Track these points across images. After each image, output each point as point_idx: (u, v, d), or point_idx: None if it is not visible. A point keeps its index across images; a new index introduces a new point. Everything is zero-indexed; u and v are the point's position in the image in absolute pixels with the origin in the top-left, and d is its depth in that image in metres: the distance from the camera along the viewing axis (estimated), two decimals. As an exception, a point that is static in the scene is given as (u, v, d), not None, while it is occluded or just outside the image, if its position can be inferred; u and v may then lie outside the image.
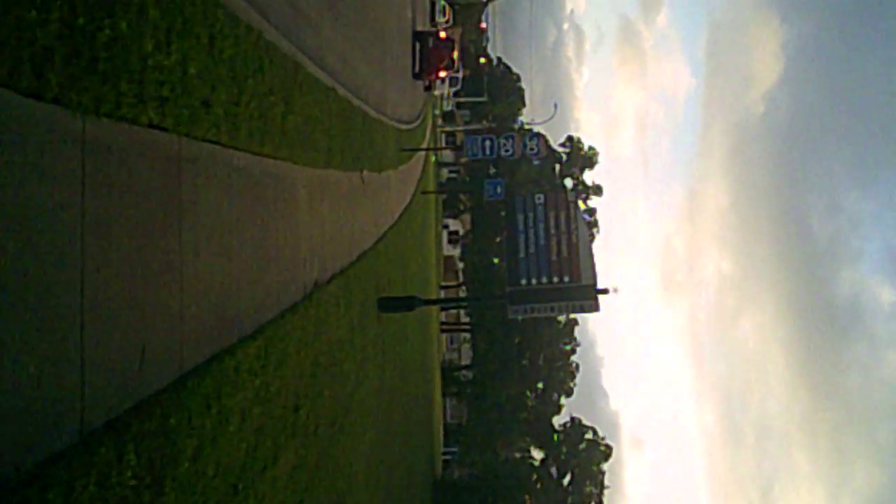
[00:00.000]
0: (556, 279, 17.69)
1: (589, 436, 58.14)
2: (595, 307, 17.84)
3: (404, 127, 30.34)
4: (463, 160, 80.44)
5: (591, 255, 18.08)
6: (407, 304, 17.20)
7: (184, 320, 5.83)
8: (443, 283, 75.47)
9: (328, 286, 11.16)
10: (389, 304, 16.75)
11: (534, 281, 17.81)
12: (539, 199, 18.58)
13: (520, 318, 19.15)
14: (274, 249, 8.62)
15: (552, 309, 18.60)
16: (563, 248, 17.83)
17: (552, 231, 17.96)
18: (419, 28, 32.42)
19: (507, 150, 24.50)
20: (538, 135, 24.51)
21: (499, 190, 37.88)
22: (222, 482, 6.44)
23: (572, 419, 59.60)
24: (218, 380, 6.41)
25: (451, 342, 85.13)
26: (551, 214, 18.19)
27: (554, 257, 17.81)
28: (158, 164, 5.48)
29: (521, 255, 18.09)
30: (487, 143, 24.37)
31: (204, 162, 6.37)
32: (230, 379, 6.76)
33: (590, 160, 75.37)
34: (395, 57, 24.17)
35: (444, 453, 60.82)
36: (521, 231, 18.22)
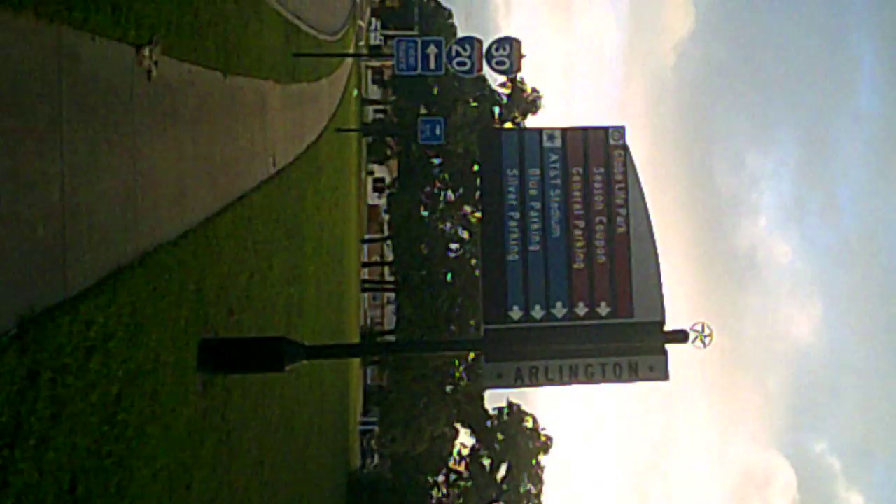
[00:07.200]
0: (581, 309, 8.14)
1: (529, 424, 50.41)
2: (663, 372, 8.28)
3: (307, 28, 20.75)
4: (392, 98, 71.77)
5: (656, 263, 8.35)
6: (266, 355, 7.91)
7: None
8: (366, 237, 68.50)
9: None
10: (221, 359, 7.60)
11: (537, 311, 8.13)
12: (551, 138, 8.22)
13: (508, 388, 9.46)
14: None
15: (574, 372, 8.13)
16: (601, 245, 8.22)
17: (577, 209, 8.19)
18: None
19: (461, 63, 15.30)
20: (479, 40, 15.63)
21: (437, 131, 30.74)
22: None
23: (510, 404, 51.57)
24: None
25: (374, 298, 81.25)
26: (575, 173, 8.21)
27: (580, 264, 8.23)
28: None
29: (512, 256, 8.17)
30: (432, 48, 15.04)
31: None
32: None
33: (533, 104, 67.11)
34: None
35: (363, 423, 54.54)
36: (513, 207, 8.18)
